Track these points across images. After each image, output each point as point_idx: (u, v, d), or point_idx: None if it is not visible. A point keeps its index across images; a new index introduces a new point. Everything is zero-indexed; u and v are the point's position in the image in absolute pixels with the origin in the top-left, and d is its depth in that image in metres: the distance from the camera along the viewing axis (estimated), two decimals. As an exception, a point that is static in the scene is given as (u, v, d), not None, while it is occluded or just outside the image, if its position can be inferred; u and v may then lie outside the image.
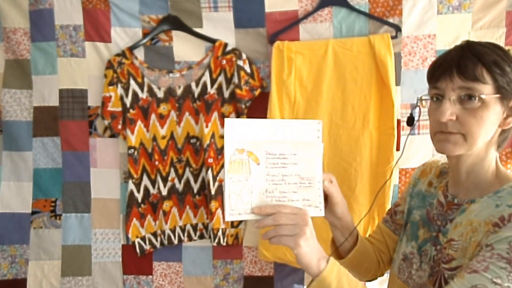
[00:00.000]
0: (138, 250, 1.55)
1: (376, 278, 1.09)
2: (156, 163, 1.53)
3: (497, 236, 0.73)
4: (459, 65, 0.80)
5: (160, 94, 1.52)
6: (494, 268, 0.70)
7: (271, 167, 0.87)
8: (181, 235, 1.58)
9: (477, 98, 0.78)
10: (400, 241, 1.00)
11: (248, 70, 1.46)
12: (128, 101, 1.51)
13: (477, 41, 0.83)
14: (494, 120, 0.80)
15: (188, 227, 1.58)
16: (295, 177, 0.87)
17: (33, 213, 1.57)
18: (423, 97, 0.90)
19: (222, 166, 1.52)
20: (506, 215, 0.75)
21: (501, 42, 1.38)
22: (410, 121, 0.99)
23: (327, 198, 0.94)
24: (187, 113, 1.52)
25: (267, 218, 0.82)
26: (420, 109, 0.93)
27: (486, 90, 0.79)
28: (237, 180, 0.85)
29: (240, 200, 0.85)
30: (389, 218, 1.07)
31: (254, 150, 0.86)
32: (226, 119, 0.85)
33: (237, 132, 0.86)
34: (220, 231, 1.54)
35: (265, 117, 1.43)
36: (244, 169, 0.86)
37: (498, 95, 0.79)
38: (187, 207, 1.57)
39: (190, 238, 1.58)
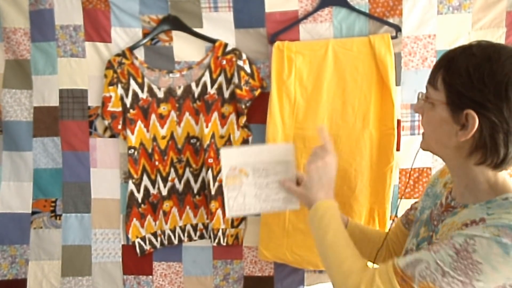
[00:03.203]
0: (138, 250, 1.55)
1: None
2: (156, 163, 1.53)
3: (460, 232, 0.77)
4: (433, 68, 0.86)
5: (160, 94, 1.52)
6: (443, 253, 0.75)
7: (257, 177, 1.18)
8: (181, 235, 1.58)
9: (426, 99, 0.85)
10: (409, 237, 1.03)
11: (248, 70, 1.46)
12: (128, 101, 1.51)
13: (486, 43, 0.81)
14: (445, 128, 0.82)
15: (188, 227, 1.58)
16: (276, 183, 1.18)
17: (33, 213, 1.57)
18: None
19: (222, 166, 1.53)
20: (478, 219, 0.78)
21: (501, 42, 1.38)
22: None
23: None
24: (187, 113, 1.52)
25: None
26: None
27: (436, 95, 0.83)
28: (233, 189, 1.17)
29: (236, 202, 1.18)
30: (405, 212, 1.14)
31: (244, 167, 1.17)
32: (221, 150, 1.19)
33: (230, 157, 1.18)
34: (220, 231, 1.54)
35: (265, 118, 1.44)
36: (237, 181, 1.17)
37: (445, 104, 0.80)
38: (187, 207, 1.57)
39: (190, 238, 1.58)
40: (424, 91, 0.90)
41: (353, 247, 0.94)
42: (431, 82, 0.84)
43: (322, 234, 0.98)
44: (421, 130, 0.93)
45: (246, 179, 1.17)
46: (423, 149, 0.93)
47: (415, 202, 1.13)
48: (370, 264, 1.20)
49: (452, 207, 0.88)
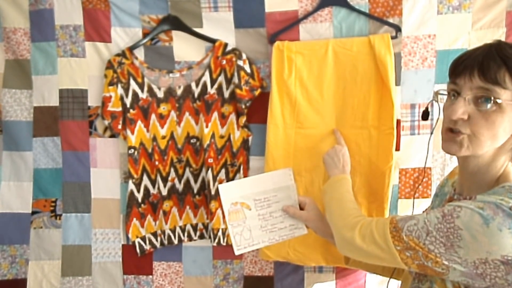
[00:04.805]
0: (138, 250, 1.55)
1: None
2: (156, 163, 1.53)
3: (451, 203, 0.82)
4: (482, 64, 0.78)
5: (160, 94, 1.52)
6: (432, 214, 0.82)
7: (260, 209, 1.18)
8: (181, 235, 1.58)
9: (492, 102, 0.77)
10: None
11: (248, 70, 1.46)
12: (128, 101, 1.51)
13: (506, 42, 0.82)
14: (508, 127, 0.79)
15: (188, 227, 1.58)
16: (279, 211, 1.19)
17: (33, 213, 1.57)
18: (440, 92, 0.89)
19: (222, 166, 1.52)
20: (468, 197, 0.84)
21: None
22: (425, 115, 1.00)
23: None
24: (187, 113, 1.52)
25: None
26: (433, 103, 0.94)
27: (505, 95, 0.77)
28: (237, 224, 1.16)
29: (242, 238, 1.17)
30: None
31: (245, 200, 1.17)
32: (219, 186, 1.18)
33: (229, 192, 1.17)
34: (220, 231, 1.54)
35: (265, 118, 1.44)
36: (241, 216, 1.17)
37: None
38: (187, 207, 1.57)
39: (190, 238, 1.58)
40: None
41: (357, 207, 1.08)
42: (494, 81, 0.77)
43: (330, 196, 1.13)
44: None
45: (249, 212, 1.17)
46: (454, 154, 0.85)
47: (426, 209, 1.14)
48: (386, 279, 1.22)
49: (457, 200, 0.89)
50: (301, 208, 1.23)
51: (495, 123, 0.78)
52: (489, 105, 0.77)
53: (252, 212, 1.17)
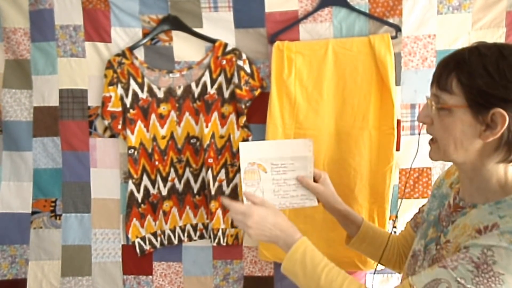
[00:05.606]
0: (138, 250, 1.55)
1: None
2: (156, 163, 1.53)
3: (475, 242, 0.75)
4: (438, 73, 0.83)
5: (160, 94, 1.52)
6: (462, 269, 0.73)
7: (275, 174, 1.18)
8: (181, 235, 1.58)
9: (435, 107, 0.82)
10: (416, 238, 1.03)
11: (248, 70, 1.46)
12: (128, 101, 1.51)
13: (487, 43, 0.81)
14: (467, 131, 0.79)
15: (188, 227, 1.58)
16: (293, 180, 1.19)
17: (33, 213, 1.57)
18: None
19: (222, 166, 1.52)
20: (490, 224, 0.77)
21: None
22: None
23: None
24: (187, 113, 1.52)
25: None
26: None
27: (452, 100, 0.80)
28: (251, 184, 1.17)
29: None
30: (414, 216, 1.14)
31: (262, 163, 1.17)
32: (240, 143, 1.18)
33: (249, 152, 1.17)
34: (220, 231, 1.54)
35: (265, 118, 1.44)
36: (256, 176, 1.17)
37: (466, 107, 0.78)
38: (187, 207, 1.57)
39: (190, 238, 1.58)
40: (424, 95, 0.89)
41: (347, 275, 0.90)
42: (443, 87, 0.81)
43: (314, 283, 0.91)
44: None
45: (264, 175, 1.17)
46: (435, 160, 0.89)
47: (423, 205, 1.13)
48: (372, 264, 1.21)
49: (461, 207, 0.88)
50: (315, 181, 1.22)
51: (448, 127, 0.81)
52: (434, 110, 0.83)
53: (267, 175, 1.18)
